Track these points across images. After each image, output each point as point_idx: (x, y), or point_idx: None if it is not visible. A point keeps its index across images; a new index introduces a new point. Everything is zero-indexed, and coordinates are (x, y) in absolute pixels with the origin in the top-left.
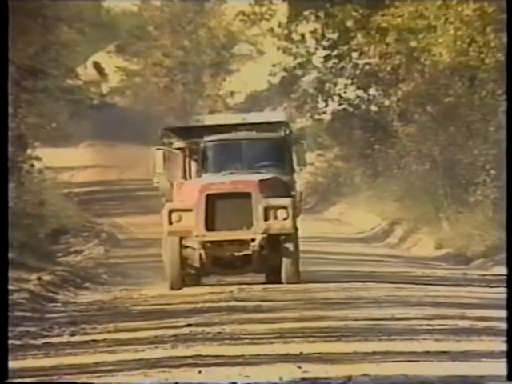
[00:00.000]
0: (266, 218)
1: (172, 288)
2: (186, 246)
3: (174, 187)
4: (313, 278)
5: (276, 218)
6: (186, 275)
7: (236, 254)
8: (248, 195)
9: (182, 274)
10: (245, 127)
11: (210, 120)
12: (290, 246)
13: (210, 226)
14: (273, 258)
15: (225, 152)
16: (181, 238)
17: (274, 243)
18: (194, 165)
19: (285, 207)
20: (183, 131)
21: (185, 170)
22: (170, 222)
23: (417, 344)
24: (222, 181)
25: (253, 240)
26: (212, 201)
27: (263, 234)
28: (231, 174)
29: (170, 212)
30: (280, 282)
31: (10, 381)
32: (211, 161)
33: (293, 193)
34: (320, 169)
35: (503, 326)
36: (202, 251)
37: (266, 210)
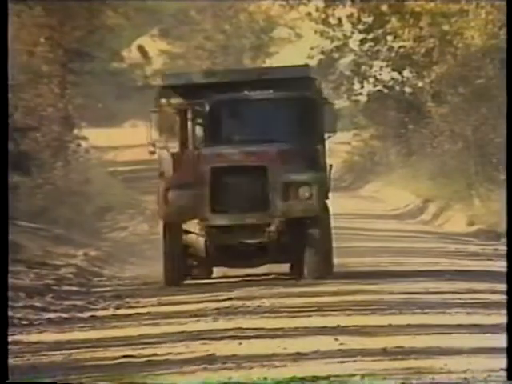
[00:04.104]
0: (286, 198)
1: (168, 283)
2: (187, 232)
3: (174, 158)
4: (349, 253)
5: (297, 197)
6: (188, 267)
7: (248, 241)
8: (263, 169)
9: (183, 265)
10: (261, 84)
11: (219, 76)
12: (315, 232)
13: (216, 207)
14: (295, 246)
15: (235, 115)
16: (181, 222)
17: (296, 228)
18: (197, 131)
19: (308, 184)
20: (186, 89)
21: (186, 138)
22: (167, 202)
23: (449, 317)
24: (231, 151)
25: (269, 225)
26: (219, 176)
27: (281, 217)
28: (243, 142)
29: (167, 189)
30: (303, 278)
31: (10, 381)
32: (219, 126)
33: (320, 166)
34: (356, 148)
35: None
36: (207, 238)
37: (286, 187)
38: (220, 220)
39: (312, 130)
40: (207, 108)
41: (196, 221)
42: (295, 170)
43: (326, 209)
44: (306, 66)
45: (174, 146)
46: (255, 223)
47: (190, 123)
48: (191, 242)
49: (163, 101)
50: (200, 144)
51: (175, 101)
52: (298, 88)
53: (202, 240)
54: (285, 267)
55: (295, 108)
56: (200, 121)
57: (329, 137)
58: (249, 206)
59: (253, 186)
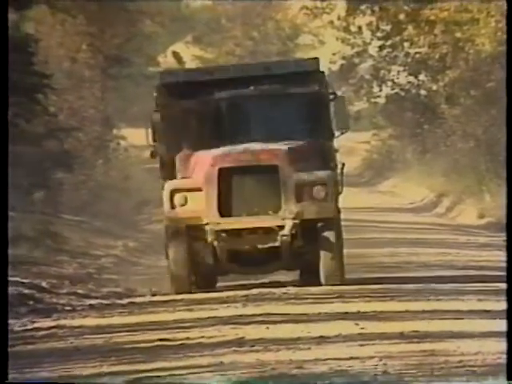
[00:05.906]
0: (299, 199)
1: (178, 292)
2: (195, 237)
3: (178, 160)
4: (368, 244)
5: (311, 197)
6: (196, 274)
7: (260, 246)
8: (274, 169)
9: (191, 273)
10: (268, 80)
11: (222, 72)
12: (330, 234)
13: (224, 210)
14: (308, 251)
15: (242, 113)
16: (187, 227)
17: (310, 231)
18: (202, 130)
19: (323, 183)
20: (189, 87)
21: (191, 138)
22: (173, 206)
23: (461, 303)
24: (239, 151)
25: (281, 227)
26: (227, 177)
27: (295, 219)
28: (251, 141)
29: (173, 192)
30: (319, 284)
31: (9, 381)
32: (225, 125)
33: (332, 164)
34: (375, 147)
35: None
36: (216, 243)
37: (298, 187)
38: (230, 224)
39: (322, 126)
40: (213, 106)
41: (204, 225)
42: (308, 168)
43: (338, 210)
44: (315, 59)
45: (178, 148)
46: (267, 226)
47: (194, 123)
48: (199, 249)
49: (165, 100)
50: (205, 144)
51: (177, 99)
52: (307, 82)
53: (210, 246)
54: (294, 275)
55: (304, 103)
56: (204, 120)
57: (342, 133)
58: (260, 208)
59: (263, 187)
